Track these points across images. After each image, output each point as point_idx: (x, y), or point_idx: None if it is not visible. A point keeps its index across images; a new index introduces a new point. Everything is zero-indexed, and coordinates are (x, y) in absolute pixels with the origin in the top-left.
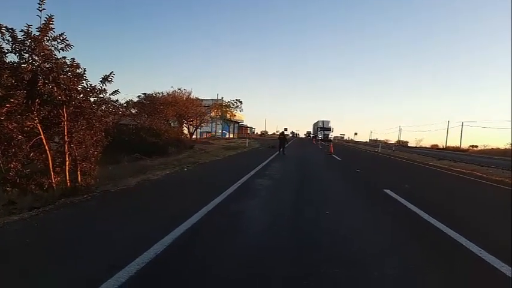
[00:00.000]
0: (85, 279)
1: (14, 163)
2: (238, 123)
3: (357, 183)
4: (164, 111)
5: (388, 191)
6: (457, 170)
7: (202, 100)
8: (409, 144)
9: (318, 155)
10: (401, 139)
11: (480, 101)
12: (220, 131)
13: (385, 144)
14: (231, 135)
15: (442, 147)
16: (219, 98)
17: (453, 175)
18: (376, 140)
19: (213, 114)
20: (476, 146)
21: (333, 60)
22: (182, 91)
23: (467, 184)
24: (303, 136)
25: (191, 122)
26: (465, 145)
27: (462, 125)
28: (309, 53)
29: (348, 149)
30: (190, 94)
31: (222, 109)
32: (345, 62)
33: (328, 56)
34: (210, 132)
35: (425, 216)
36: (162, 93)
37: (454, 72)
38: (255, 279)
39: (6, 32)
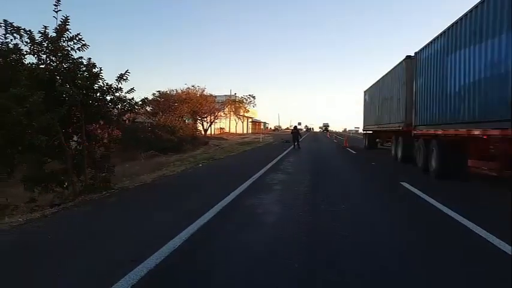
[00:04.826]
0: (102, 274)
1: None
2: (251, 118)
3: (372, 177)
4: (178, 108)
5: (405, 184)
6: None
7: (215, 96)
8: None
9: (332, 149)
10: None
11: None
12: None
13: None
14: (245, 131)
15: None
16: (232, 93)
17: None
18: None
19: (226, 110)
20: None
21: (346, 54)
22: (196, 88)
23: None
24: (318, 130)
25: (205, 118)
26: None
27: None
28: (322, 46)
29: (363, 142)
30: (203, 91)
31: (235, 105)
32: (358, 54)
33: (340, 49)
34: (223, 128)
35: (445, 209)
36: (176, 91)
37: None
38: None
39: (25, 34)
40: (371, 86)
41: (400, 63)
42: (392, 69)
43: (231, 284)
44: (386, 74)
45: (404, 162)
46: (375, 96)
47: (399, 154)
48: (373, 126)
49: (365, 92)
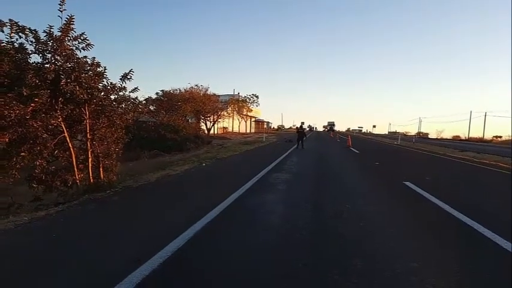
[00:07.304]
0: (106, 274)
1: (39, 160)
2: (255, 118)
3: (376, 176)
4: (182, 107)
5: (408, 184)
6: (480, 161)
7: (219, 96)
8: (429, 136)
9: (336, 149)
10: (421, 131)
11: (503, 90)
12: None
13: (404, 137)
14: (248, 130)
15: (464, 138)
16: (236, 93)
17: (476, 166)
18: (395, 132)
19: (229, 109)
20: (500, 137)
21: (350, 53)
22: (199, 87)
23: (490, 176)
24: (321, 130)
25: (208, 118)
26: (488, 136)
27: (485, 115)
28: (324, 46)
29: (366, 141)
30: (207, 90)
31: (238, 104)
32: (362, 53)
33: (345, 48)
34: (226, 127)
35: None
36: (180, 90)
37: (474, 61)
38: None
39: (30, 34)
40: None
41: None
42: None
43: (235, 281)
44: None
45: None
46: None
47: None
48: None
49: None
